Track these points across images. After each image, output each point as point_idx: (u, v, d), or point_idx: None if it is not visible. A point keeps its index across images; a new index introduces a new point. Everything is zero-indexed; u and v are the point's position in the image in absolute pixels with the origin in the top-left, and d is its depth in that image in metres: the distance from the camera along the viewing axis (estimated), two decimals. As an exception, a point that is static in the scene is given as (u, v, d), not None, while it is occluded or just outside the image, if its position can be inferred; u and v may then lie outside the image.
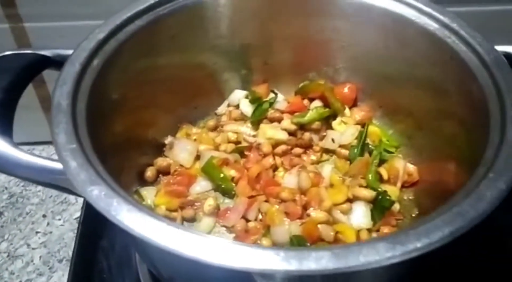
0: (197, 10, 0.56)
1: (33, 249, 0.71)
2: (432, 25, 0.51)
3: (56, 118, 0.40)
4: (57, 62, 0.50)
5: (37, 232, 0.73)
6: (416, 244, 0.32)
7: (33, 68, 0.48)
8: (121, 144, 0.52)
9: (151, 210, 0.37)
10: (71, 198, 0.77)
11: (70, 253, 0.69)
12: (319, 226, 0.49)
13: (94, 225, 0.62)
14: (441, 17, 0.51)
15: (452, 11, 0.51)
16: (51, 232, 0.73)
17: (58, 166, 0.40)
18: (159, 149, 0.60)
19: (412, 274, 0.41)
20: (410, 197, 0.56)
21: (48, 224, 0.74)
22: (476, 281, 0.56)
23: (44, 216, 0.75)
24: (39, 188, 0.79)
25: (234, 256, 0.32)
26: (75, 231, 0.72)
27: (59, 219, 0.75)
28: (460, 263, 0.55)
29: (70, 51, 0.48)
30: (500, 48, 0.47)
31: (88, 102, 0.44)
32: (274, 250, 0.32)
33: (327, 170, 0.55)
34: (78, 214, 0.75)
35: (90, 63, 0.47)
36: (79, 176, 0.36)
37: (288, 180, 0.54)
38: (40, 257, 0.70)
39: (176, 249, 0.33)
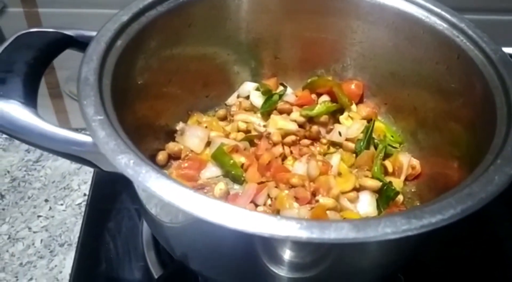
0: (215, 1, 0.58)
1: (34, 232, 0.71)
2: (441, 25, 0.54)
3: (84, 92, 0.42)
4: (80, 43, 0.51)
5: (38, 216, 0.73)
6: (430, 219, 0.34)
7: (56, 46, 0.49)
8: (137, 126, 0.53)
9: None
10: (74, 184, 0.78)
11: (72, 238, 0.70)
12: (327, 212, 0.51)
13: (101, 207, 0.63)
14: (450, 17, 0.53)
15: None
16: (53, 217, 0.73)
17: (84, 138, 0.41)
18: (171, 135, 0.61)
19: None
20: (413, 190, 0.58)
21: (50, 208, 0.74)
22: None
23: (46, 200, 0.75)
24: (42, 173, 0.79)
25: (258, 224, 0.33)
26: (77, 217, 0.72)
27: (61, 204, 0.75)
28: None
29: (93, 33, 0.49)
30: (507, 50, 0.50)
31: (112, 80, 0.45)
32: (298, 220, 0.34)
33: (335, 159, 0.57)
34: (80, 200, 0.75)
35: (114, 44, 0.48)
36: (108, 145, 0.37)
37: (298, 167, 0.56)
38: (41, 240, 0.70)
39: (202, 215, 0.34)
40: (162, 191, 0.35)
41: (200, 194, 0.35)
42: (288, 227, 0.33)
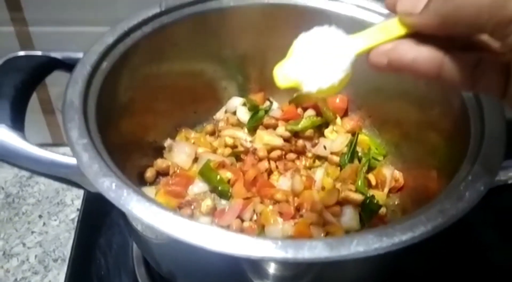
0: (199, 21, 0.59)
1: (28, 248, 0.72)
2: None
3: (69, 115, 0.43)
4: (66, 65, 0.52)
5: (33, 232, 0.74)
6: (401, 237, 0.35)
7: (44, 69, 0.51)
8: (124, 144, 0.54)
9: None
10: (67, 199, 0.79)
11: (66, 253, 0.71)
12: (311, 226, 0.52)
13: (92, 223, 0.64)
14: (428, 34, 0.54)
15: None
16: (46, 232, 0.74)
17: (69, 160, 0.43)
18: (159, 151, 0.63)
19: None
20: (396, 202, 0.59)
21: (44, 224, 0.75)
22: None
23: (40, 216, 0.76)
24: (36, 188, 0.81)
25: (236, 245, 0.35)
26: (71, 232, 0.73)
27: (55, 220, 0.76)
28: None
29: (79, 54, 0.51)
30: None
31: (98, 102, 0.47)
32: (273, 240, 0.35)
33: (319, 174, 0.58)
34: (73, 215, 0.76)
35: (100, 66, 0.49)
36: (91, 168, 0.39)
37: (282, 182, 0.57)
38: (36, 256, 0.71)
39: (181, 236, 0.35)
40: (143, 213, 0.36)
41: (179, 216, 0.36)
42: (263, 247, 0.34)
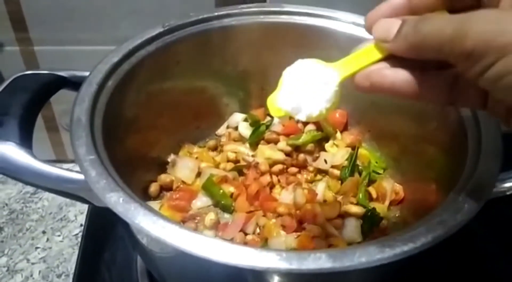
0: (202, 39, 0.61)
1: (32, 264, 0.73)
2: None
3: (77, 133, 0.44)
4: (73, 83, 0.54)
5: (36, 248, 0.75)
6: (403, 248, 0.36)
7: (50, 87, 0.52)
8: (129, 160, 0.55)
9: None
10: (71, 215, 0.80)
11: (69, 268, 0.72)
12: (313, 239, 0.53)
13: (96, 237, 0.65)
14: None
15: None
16: (50, 248, 0.75)
17: (76, 176, 0.44)
18: (162, 166, 0.64)
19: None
20: (397, 214, 0.60)
21: (47, 240, 0.76)
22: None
23: (43, 232, 0.77)
24: (39, 205, 0.82)
25: (241, 256, 0.35)
26: (74, 247, 0.74)
27: (59, 235, 0.77)
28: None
29: (85, 73, 0.52)
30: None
31: (104, 119, 0.48)
32: (277, 252, 0.36)
33: (321, 187, 0.59)
34: (77, 231, 0.77)
35: (105, 84, 0.51)
36: (99, 183, 0.40)
37: (284, 196, 0.58)
38: (39, 271, 0.72)
39: (188, 249, 0.36)
40: (150, 226, 0.37)
41: (185, 229, 0.37)
42: (268, 258, 0.35)
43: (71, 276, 0.69)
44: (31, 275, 0.71)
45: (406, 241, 0.37)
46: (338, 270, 0.35)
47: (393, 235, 0.38)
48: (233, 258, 0.35)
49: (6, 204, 0.81)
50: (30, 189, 0.83)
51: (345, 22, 0.61)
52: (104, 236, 0.65)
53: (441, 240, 0.37)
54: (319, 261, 0.35)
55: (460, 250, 0.61)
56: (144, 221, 0.37)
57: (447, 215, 0.39)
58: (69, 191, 0.45)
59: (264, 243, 0.54)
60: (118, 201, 0.39)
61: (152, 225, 0.37)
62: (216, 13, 0.61)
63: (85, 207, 0.77)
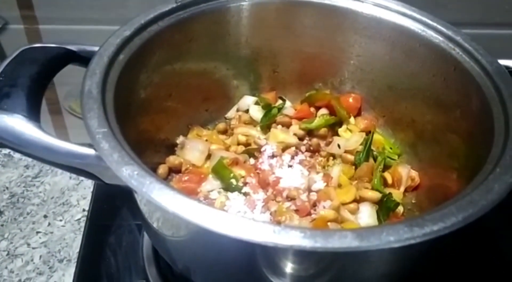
0: (215, 17, 0.59)
1: (33, 248, 0.71)
2: (437, 38, 0.55)
3: (88, 105, 0.42)
4: (82, 58, 0.52)
5: (37, 232, 0.73)
6: (432, 227, 0.35)
7: (59, 61, 0.50)
8: (138, 141, 0.53)
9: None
10: (73, 200, 0.78)
11: (71, 254, 0.70)
12: (328, 223, 0.51)
13: (101, 221, 0.63)
14: (445, 30, 0.54)
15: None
16: (51, 232, 0.73)
17: (86, 150, 0.42)
18: (171, 148, 0.62)
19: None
20: (413, 201, 0.58)
21: (49, 224, 0.74)
22: None
23: (45, 216, 0.75)
24: (41, 189, 0.79)
25: (262, 233, 0.34)
26: (77, 232, 0.72)
27: (60, 220, 0.75)
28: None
29: (95, 48, 0.50)
30: (502, 62, 0.51)
31: (115, 94, 0.46)
32: (301, 229, 0.34)
33: (336, 170, 0.57)
34: (79, 216, 0.75)
35: (117, 58, 0.49)
36: (112, 156, 0.38)
37: (297, 179, 0.56)
38: (40, 256, 0.70)
39: (205, 225, 0.34)
40: (166, 201, 0.35)
41: (203, 204, 0.35)
42: (291, 236, 0.34)
43: (73, 261, 0.67)
44: (32, 260, 0.69)
45: (436, 221, 0.35)
46: (365, 249, 0.33)
47: (421, 215, 0.36)
48: (255, 234, 0.33)
49: (7, 188, 0.79)
50: (31, 172, 0.81)
51: (366, 3, 0.59)
52: (109, 220, 0.64)
53: (471, 221, 0.35)
54: (346, 239, 0.33)
55: (478, 244, 0.59)
56: (161, 195, 0.35)
57: (477, 194, 0.37)
58: (78, 166, 0.43)
59: (277, 227, 0.52)
60: (132, 174, 0.37)
61: (169, 200, 0.35)
62: (230, -10, 0.60)
63: (88, 192, 0.76)
